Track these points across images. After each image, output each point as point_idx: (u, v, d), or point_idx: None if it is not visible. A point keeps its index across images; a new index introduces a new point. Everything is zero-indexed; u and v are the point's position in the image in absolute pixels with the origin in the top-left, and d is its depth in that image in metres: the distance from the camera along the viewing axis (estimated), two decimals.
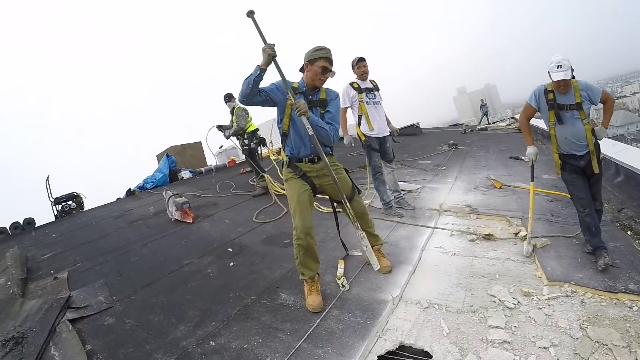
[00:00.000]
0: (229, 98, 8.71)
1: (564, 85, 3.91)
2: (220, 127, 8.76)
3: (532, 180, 4.63)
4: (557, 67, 3.81)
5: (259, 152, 9.01)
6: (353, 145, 6.23)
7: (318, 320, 3.33)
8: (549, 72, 3.90)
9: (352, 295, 3.73)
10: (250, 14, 3.50)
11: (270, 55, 3.31)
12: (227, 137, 8.67)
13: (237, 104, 8.50)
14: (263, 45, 3.36)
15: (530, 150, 4.42)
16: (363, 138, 5.84)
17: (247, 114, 8.51)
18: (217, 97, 9.25)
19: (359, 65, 5.77)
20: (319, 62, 3.57)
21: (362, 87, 5.75)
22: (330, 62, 3.62)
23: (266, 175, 8.55)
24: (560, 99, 4.03)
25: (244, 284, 4.21)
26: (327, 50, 3.64)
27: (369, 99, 5.77)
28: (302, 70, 3.75)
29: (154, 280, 4.59)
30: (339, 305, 3.56)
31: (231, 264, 4.82)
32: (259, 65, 3.34)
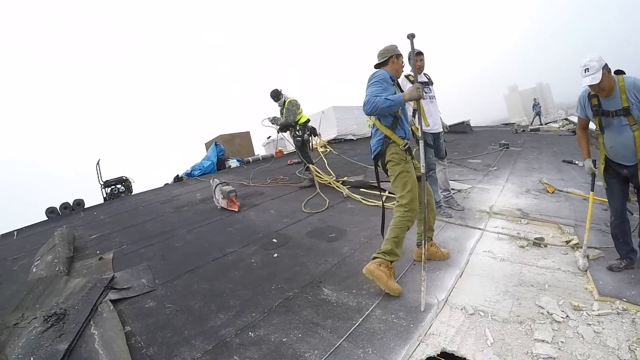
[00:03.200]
0: (277, 96, 8.53)
1: (599, 89, 3.50)
2: (274, 120, 8.67)
3: (592, 190, 4.31)
4: (585, 71, 3.43)
5: (311, 143, 8.92)
6: None
7: (360, 320, 3.28)
8: None
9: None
10: (411, 36, 3.56)
11: (419, 97, 3.60)
12: (279, 132, 8.60)
13: (288, 97, 8.39)
14: (415, 83, 3.64)
15: (586, 165, 4.10)
16: (418, 133, 5.70)
17: (298, 107, 8.42)
18: (266, 89, 9.18)
19: (417, 59, 5.60)
20: (401, 57, 4.11)
21: (418, 80, 5.59)
22: None
23: (312, 167, 8.46)
24: (604, 104, 3.61)
25: (287, 276, 4.19)
26: None
27: (425, 93, 5.62)
28: (382, 64, 4.06)
29: (197, 267, 4.63)
30: (382, 305, 3.50)
31: (275, 255, 4.81)
32: (403, 96, 3.63)
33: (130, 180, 12.46)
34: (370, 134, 4.14)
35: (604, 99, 3.58)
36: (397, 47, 4.11)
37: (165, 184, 12.97)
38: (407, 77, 5.64)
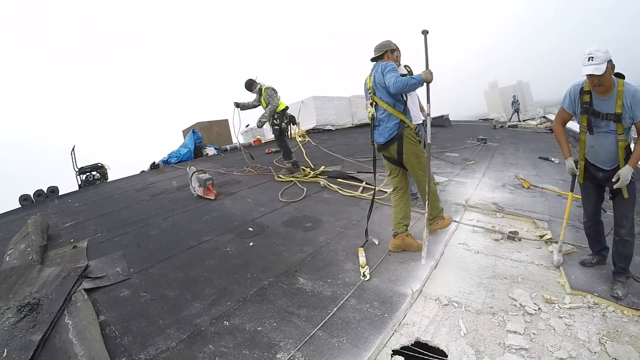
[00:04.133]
0: (250, 86, 8.56)
1: (599, 84, 3.21)
2: (237, 104, 8.73)
3: (572, 190, 4.18)
4: (588, 60, 3.10)
5: (290, 131, 8.89)
6: None
7: (335, 309, 3.29)
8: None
9: (371, 285, 3.68)
10: (425, 32, 4.06)
11: (431, 80, 4.00)
12: (261, 125, 8.56)
13: (264, 84, 8.37)
14: (428, 68, 4.01)
15: (568, 164, 3.82)
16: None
17: (277, 92, 8.38)
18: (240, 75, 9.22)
19: None
20: (395, 52, 4.53)
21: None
22: None
23: (277, 175, 8.42)
24: (597, 104, 3.34)
25: (263, 265, 4.18)
26: None
27: None
28: (379, 57, 4.44)
29: (172, 255, 4.58)
30: (357, 295, 3.52)
31: (251, 243, 4.79)
32: (422, 79, 3.97)
33: (106, 167, 12.25)
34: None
35: (598, 99, 3.35)
36: (391, 42, 4.50)
37: (141, 171, 12.78)
38: None
